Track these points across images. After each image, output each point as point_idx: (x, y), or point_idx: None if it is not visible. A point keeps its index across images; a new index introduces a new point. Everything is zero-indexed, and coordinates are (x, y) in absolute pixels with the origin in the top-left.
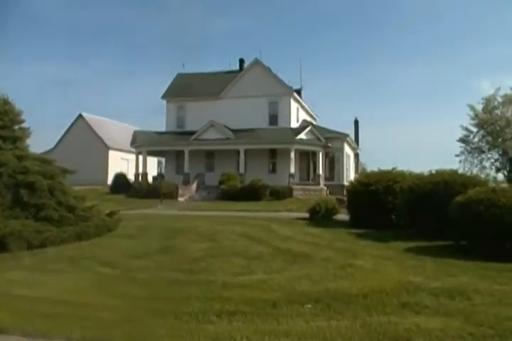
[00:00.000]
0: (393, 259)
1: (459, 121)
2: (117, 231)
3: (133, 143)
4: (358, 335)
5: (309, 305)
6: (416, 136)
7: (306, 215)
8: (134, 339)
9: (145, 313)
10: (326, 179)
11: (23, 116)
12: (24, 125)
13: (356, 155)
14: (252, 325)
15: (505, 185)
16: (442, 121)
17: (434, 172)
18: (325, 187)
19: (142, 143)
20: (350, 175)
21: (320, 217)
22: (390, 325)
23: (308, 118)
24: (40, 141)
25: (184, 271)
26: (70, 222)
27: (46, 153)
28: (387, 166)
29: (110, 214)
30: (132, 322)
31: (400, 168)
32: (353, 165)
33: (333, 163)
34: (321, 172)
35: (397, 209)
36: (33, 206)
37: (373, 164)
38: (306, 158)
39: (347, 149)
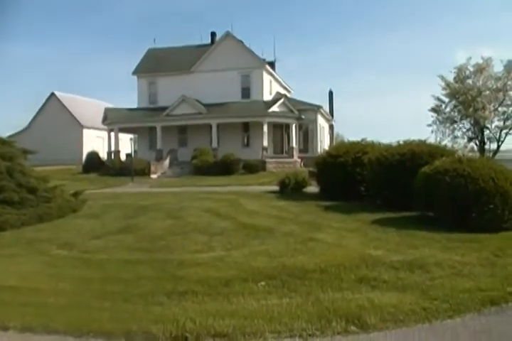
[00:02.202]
0: (357, 232)
1: (435, 91)
2: (82, 212)
3: (104, 120)
4: (308, 313)
5: (263, 283)
6: (394, 106)
7: (277, 188)
8: (74, 325)
9: (93, 296)
10: (300, 151)
11: None
12: None
13: (331, 127)
14: (201, 305)
15: (475, 154)
16: (419, 92)
17: (401, 143)
18: (299, 160)
19: (113, 120)
20: (324, 146)
21: (290, 189)
22: (343, 301)
23: (282, 91)
24: (12, 122)
25: (142, 250)
26: (32, 204)
27: (19, 133)
28: (364, 137)
29: (75, 195)
30: (78, 306)
31: (369, 139)
32: (328, 136)
33: (307, 135)
34: (294, 144)
35: (366, 180)
36: None
37: (352, 135)
38: (280, 130)
39: (321, 121)
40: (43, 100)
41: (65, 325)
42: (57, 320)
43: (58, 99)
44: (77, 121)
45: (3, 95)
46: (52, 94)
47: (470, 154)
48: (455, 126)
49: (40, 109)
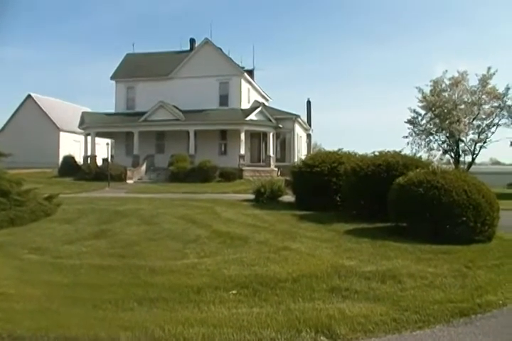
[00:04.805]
0: (331, 242)
1: (411, 103)
2: (56, 216)
3: (81, 124)
4: (277, 323)
5: (234, 291)
6: (373, 117)
7: (253, 197)
8: (41, 331)
9: (63, 302)
10: (277, 160)
11: None
12: None
13: (309, 136)
14: (172, 312)
15: (450, 167)
16: (397, 104)
17: (377, 153)
18: (276, 169)
19: (90, 125)
20: (302, 156)
21: (265, 198)
22: (313, 311)
23: (261, 100)
24: None
25: (115, 255)
26: (4, 207)
27: None
28: (343, 147)
29: (49, 198)
30: (46, 312)
31: (346, 149)
32: (306, 146)
33: (285, 144)
34: (271, 153)
35: (341, 191)
36: None
37: (330, 145)
38: (257, 139)
39: (298, 130)
40: (19, 102)
41: (31, 331)
42: (24, 326)
43: (35, 101)
44: (54, 124)
45: None
46: (29, 95)
47: (445, 166)
48: (431, 138)
49: (16, 111)
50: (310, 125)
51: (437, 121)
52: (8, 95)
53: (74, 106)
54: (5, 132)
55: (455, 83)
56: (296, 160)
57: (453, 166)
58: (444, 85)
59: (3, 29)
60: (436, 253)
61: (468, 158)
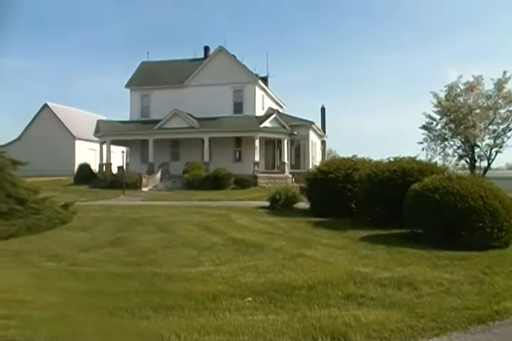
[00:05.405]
0: (346, 248)
1: (426, 109)
2: (72, 224)
3: (96, 132)
4: (293, 330)
5: (250, 299)
6: (388, 123)
7: (268, 204)
8: (58, 339)
9: (79, 310)
10: (292, 167)
11: None
12: None
13: (323, 143)
14: (188, 320)
15: (466, 172)
16: (412, 110)
17: (392, 159)
18: (290, 175)
19: (105, 133)
20: (316, 162)
21: (280, 205)
22: (329, 318)
23: (275, 106)
24: (2, 133)
25: (131, 263)
26: (21, 215)
27: (10, 144)
28: (357, 153)
29: (65, 206)
30: (63, 319)
31: (361, 156)
32: (320, 152)
33: (299, 151)
34: (286, 160)
35: (356, 197)
36: None
37: (345, 152)
38: (272, 146)
39: (313, 137)
40: (36, 111)
41: (48, 338)
42: (42, 333)
43: (51, 110)
44: (70, 133)
45: None
46: (45, 105)
47: (461, 172)
48: (446, 143)
49: (33, 120)
50: (324, 131)
51: (452, 126)
52: (22, 105)
53: (89, 114)
54: (22, 140)
55: (470, 88)
56: (310, 166)
57: (468, 172)
58: (459, 90)
59: (13, 41)
60: (452, 260)
61: (484, 163)
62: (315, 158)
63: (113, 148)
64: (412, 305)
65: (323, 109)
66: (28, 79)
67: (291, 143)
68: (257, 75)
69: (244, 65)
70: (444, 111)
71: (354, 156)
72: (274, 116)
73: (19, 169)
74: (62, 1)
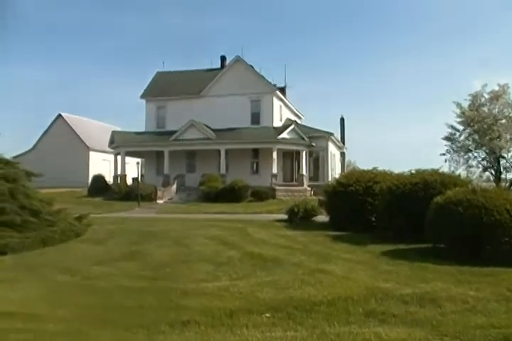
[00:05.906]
0: (367, 264)
1: (448, 120)
2: (86, 236)
3: (111, 143)
4: None
5: (268, 315)
6: (409, 134)
7: (286, 217)
8: None
9: (94, 324)
10: (310, 179)
11: None
12: None
13: (342, 154)
14: (204, 336)
15: (490, 184)
16: (434, 121)
17: (413, 172)
18: (309, 188)
19: (120, 144)
20: (335, 174)
21: (299, 218)
22: (349, 335)
23: (293, 117)
24: (17, 143)
25: (146, 278)
26: (34, 227)
27: (24, 154)
28: (378, 165)
29: (79, 218)
30: (76, 334)
31: (382, 168)
32: (339, 164)
33: (318, 163)
34: (304, 172)
35: (377, 210)
36: None
37: (364, 164)
38: (290, 157)
39: (332, 148)
40: (49, 121)
41: None
42: None
43: (65, 121)
44: (84, 143)
45: (7, 117)
46: (59, 115)
47: (485, 184)
48: (470, 155)
49: (46, 130)
50: (344, 143)
51: (476, 137)
52: (36, 115)
53: (104, 125)
54: (35, 151)
55: (495, 97)
56: (329, 179)
57: (494, 184)
58: (483, 99)
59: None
60: (477, 276)
61: (510, 175)
62: (334, 170)
63: (128, 159)
64: (436, 322)
65: (342, 120)
66: (41, 89)
67: (310, 154)
68: (274, 85)
69: (262, 75)
70: (467, 122)
71: (374, 168)
72: (292, 127)
73: (33, 180)
74: (74, 12)
